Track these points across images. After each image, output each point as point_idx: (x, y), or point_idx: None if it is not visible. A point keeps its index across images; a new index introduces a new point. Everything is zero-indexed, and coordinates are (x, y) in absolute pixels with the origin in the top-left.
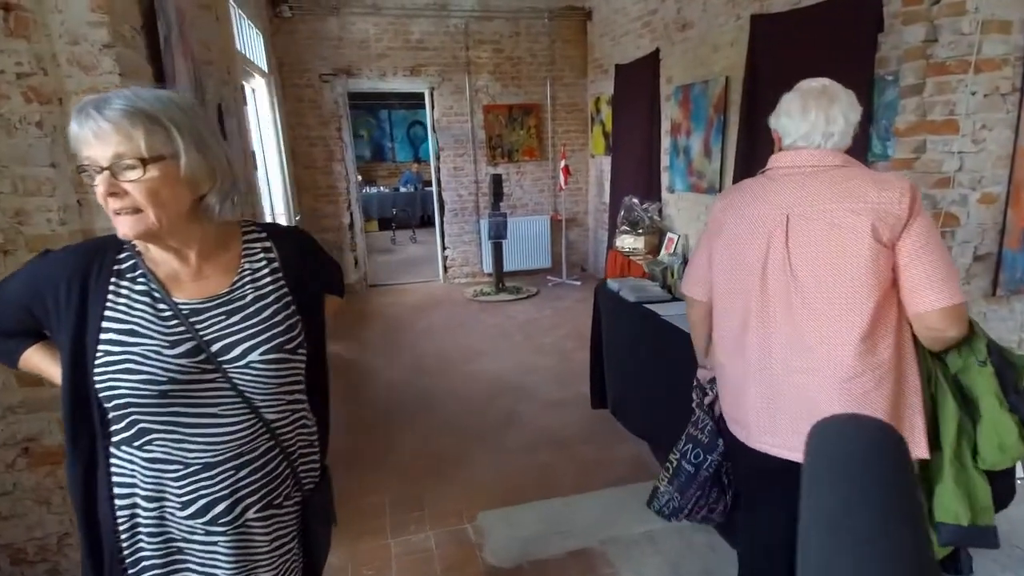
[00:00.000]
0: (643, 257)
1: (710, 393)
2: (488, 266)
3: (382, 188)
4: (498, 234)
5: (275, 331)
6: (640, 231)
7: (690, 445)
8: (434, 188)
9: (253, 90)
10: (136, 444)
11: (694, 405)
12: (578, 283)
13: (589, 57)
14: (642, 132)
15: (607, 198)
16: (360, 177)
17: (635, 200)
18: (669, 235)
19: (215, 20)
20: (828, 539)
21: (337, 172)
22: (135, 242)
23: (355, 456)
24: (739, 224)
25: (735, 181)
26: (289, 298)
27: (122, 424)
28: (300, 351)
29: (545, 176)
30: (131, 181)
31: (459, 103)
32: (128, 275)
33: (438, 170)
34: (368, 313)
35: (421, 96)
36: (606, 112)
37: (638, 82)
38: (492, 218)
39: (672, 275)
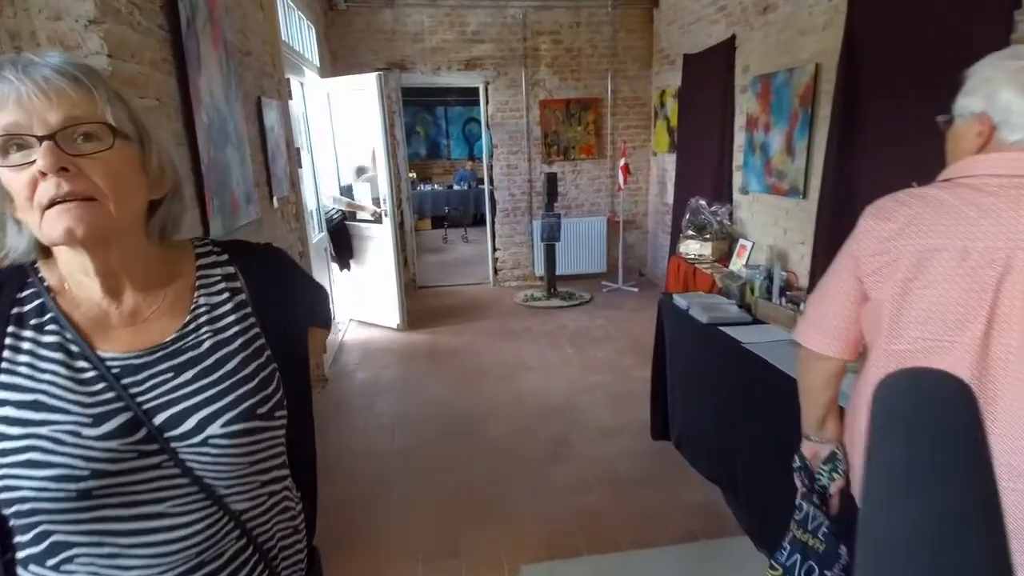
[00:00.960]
0: (710, 265)
1: (825, 478)
2: (540, 269)
3: (436, 186)
4: (551, 236)
5: (243, 390)
6: (707, 236)
7: (798, 556)
8: (486, 187)
9: (302, 84)
10: (50, 564)
11: (799, 497)
12: (635, 290)
13: (654, 47)
14: (713, 127)
15: (670, 199)
16: (415, 174)
17: (702, 202)
18: (741, 242)
19: (259, 9)
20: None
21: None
22: (45, 275)
23: (385, 486)
24: (939, 256)
25: (825, 183)
26: (261, 341)
27: (27, 537)
28: (278, 413)
29: (603, 175)
30: (90, 155)
31: (514, 98)
32: (32, 321)
33: (490, 168)
34: (414, 317)
35: (477, 92)
36: (672, 106)
37: (709, 73)
38: (545, 219)
39: (752, 292)
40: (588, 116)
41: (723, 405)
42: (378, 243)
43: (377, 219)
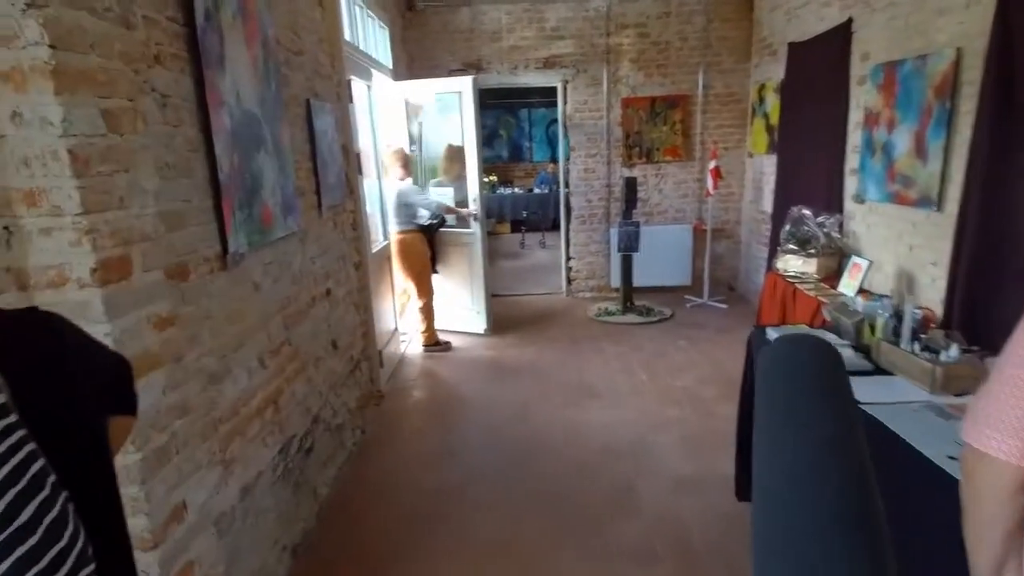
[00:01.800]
0: (813, 285)
1: None
2: (616, 280)
3: (516, 189)
4: (628, 246)
5: (21, 552)
6: (811, 251)
7: None
8: (561, 192)
9: (369, 86)
10: None
11: None
12: (723, 306)
13: (754, 37)
14: (822, 125)
15: (768, 206)
16: (495, 177)
17: (807, 211)
18: (854, 260)
19: (316, 6)
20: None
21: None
22: None
23: (423, 530)
24: None
25: (969, 192)
26: (40, 464)
27: None
28: (84, 573)
29: (689, 179)
30: None
31: (594, 97)
32: None
33: (567, 172)
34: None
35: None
36: (772, 102)
37: (820, 62)
38: (623, 227)
39: (872, 333)
40: (675, 115)
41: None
42: (457, 249)
43: (464, 223)
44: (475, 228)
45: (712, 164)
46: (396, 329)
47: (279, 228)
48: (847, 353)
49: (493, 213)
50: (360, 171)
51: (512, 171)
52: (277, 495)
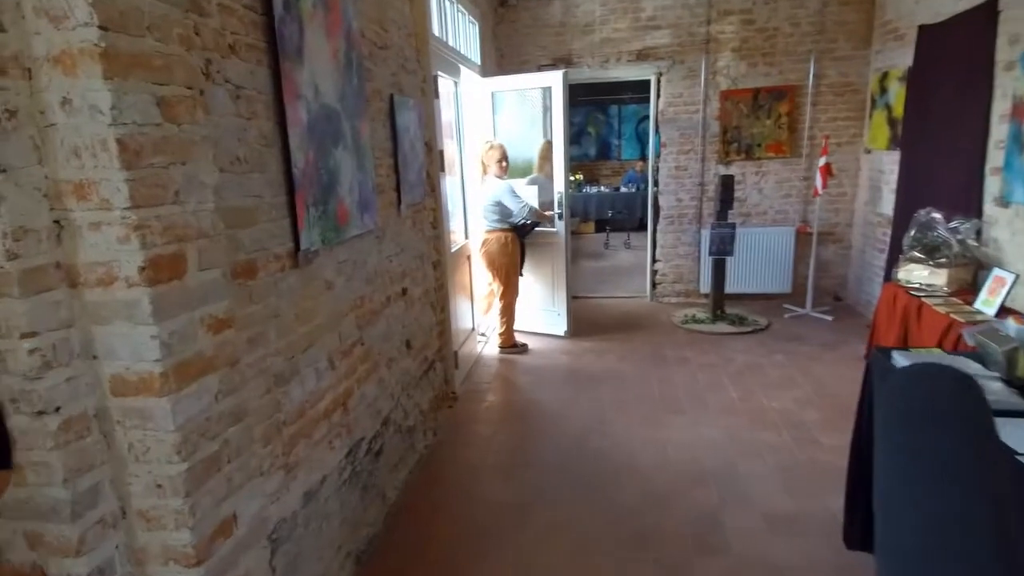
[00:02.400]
0: (943, 301)
1: None
2: (705, 286)
3: (602, 188)
4: (722, 250)
5: None
6: (941, 260)
7: None
8: (650, 190)
9: (456, 82)
10: None
11: None
12: (828, 318)
13: (876, 20)
14: (958, 117)
15: (886, 208)
16: (580, 176)
17: (937, 214)
18: (996, 273)
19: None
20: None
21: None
22: None
23: (486, 547)
24: None
25: None
26: None
27: None
28: None
29: (794, 177)
30: None
31: (690, 90)
32: None
33: (656, 170)
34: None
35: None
36: (897, 91)
37: (958, 47)
38: (716, 229)
39: None
40: (781, 107)
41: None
42: (540, 249)
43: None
44: (559, 228)
45: (822, 161)
46: (473, 329)
47: (355, 226)
48: (995, 387)
49: (577, 212)
50: (442, 169)
51: (599, 169)
52: (343, 499)
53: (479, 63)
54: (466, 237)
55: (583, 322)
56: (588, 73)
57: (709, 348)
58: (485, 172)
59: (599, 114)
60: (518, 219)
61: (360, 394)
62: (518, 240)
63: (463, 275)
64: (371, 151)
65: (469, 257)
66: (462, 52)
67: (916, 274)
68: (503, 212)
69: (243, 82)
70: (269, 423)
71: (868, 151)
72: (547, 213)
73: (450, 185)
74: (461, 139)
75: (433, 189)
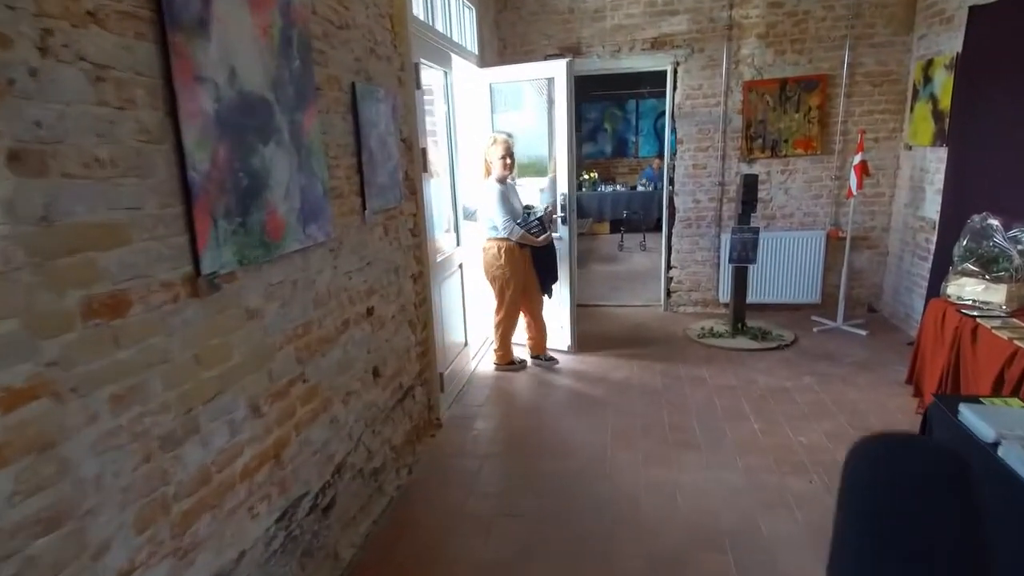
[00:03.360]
0: (1002, 323)
1: None
2: (725, 295)
3: (618, 187)
4: (743, 257)
5: None
6: (1000, 274)
7: None
8: (665, 190)
9: (446, 72)
10: None
11: None
12: (862, 332)
13: (920, 2)
14: (1017, 109)
15: (931, 211)
16: (595, 174)
17: (994, 220)
18: None
19: None
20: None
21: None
22: None
23: None
24: None
25: None
26: None
27: None
28: None
29: (825, 176)
30: None
31: (710, 81)
32: None
33: (672, 168)
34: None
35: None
36: (943, 81)
37: (1017, 29)
38: (738, 234)
39: None
40: (811, 99)
41: None
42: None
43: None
44: (562, 232)
45: (857, 158)
46: (467, 344)
47: (294, 239)
48: None
49: (592, 212)
50: (425, 169)
51: (615, 167)
52: (272, 574)
53: (476, 52)
54: (458, 244)
55: (590, 335)
56: (598, 64)
57: (728, 367)
58: (488, 172)
59: (616, 109)
60: (504, 235)
61: (301, 441)
62: (525, 252)
63: (453, 286)
64: (323, 149)
65: (461, 266)
66: (454, 39)
67: (969, 290)
68: (491, 221)
69: (110, 60)
70: (148, 502)
71: (909, 147)
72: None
73: (439, 187)
74: (453, 135)
75: (414, 192)
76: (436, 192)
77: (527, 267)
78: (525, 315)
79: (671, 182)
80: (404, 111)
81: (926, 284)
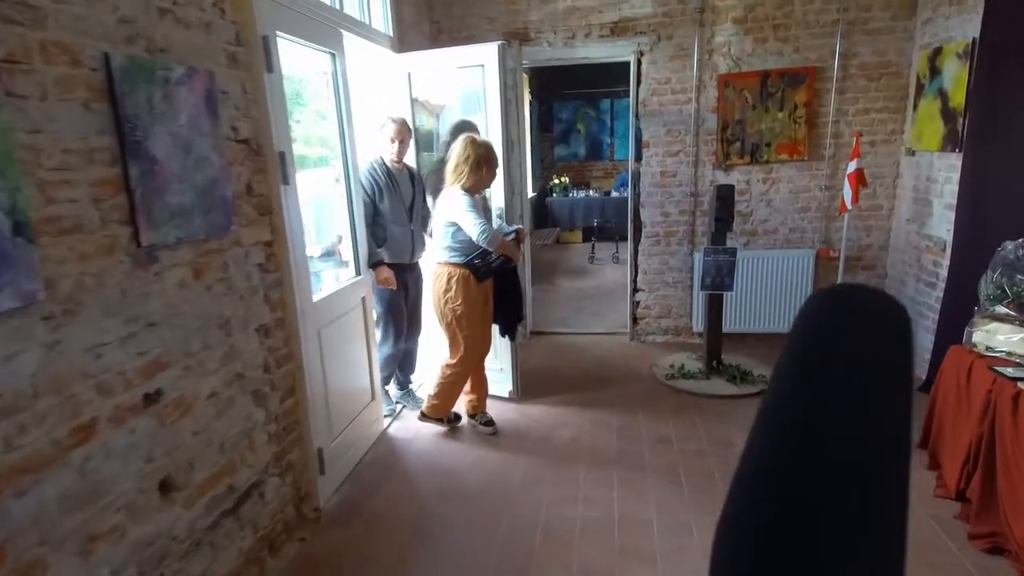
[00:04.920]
0: None
1: None
2: (699, 322)
3: (591, 192)
4: (718, 283)
5: None
6: None
7: None
8: (629, 201)
9: (334, 56)
10: None
11: None
12: None
13: None
14: None
15: (940, 229)
16: (566, 179)
17: None
18: None
19: None
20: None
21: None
22: None
23: None
24: None
25: None
26: None
27: None
28: None
29: (814, 186)
30: None
31: (680, 73)
32: None
33: (637, 175)
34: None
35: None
36: (955, 73)
37: None
38: (711, 256)
39: None
40: (797, 95)
41: None
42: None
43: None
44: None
45: (852, 166)
46: (373, 397)
47: None
48: None
49: (563, 220)
50: (286, 180)
51: (589, 171)
52: None
53: (390, 34)
54: (357, 272)
55: (540, 374)
56: (549, 52)
57: (699, 421)
58: (459, 178)
59: (589, 109)
60: (483, 243)
61: None
62: (484, 283)
63: (349, 328)
64: (16, 161)
65: (365, 299)
66: (349, 15)
67: (1002, 339)
68: (458, 236)
69: None
70: None
71: (912, 153)
72: (508, 239)
73: (334, 200)
74: (346, 135)
75: (266, 212)
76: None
77: (486, 301)
78: None
79: (636, 193)
80: (247, 103)
81: (934, 316)
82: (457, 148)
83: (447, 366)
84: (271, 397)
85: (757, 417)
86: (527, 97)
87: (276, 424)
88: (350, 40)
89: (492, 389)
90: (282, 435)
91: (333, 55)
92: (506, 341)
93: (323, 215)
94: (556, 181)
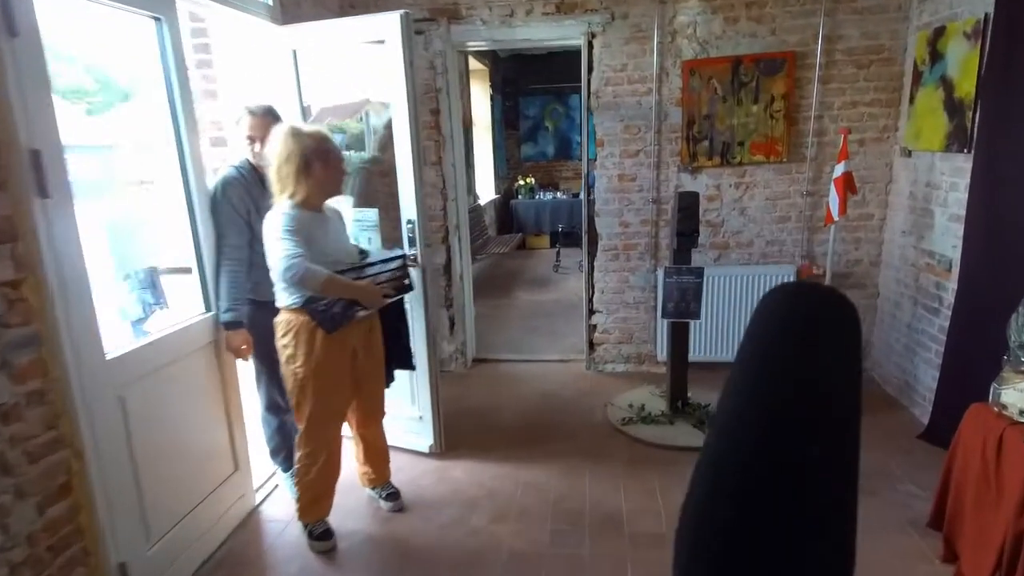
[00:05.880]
0: None
1: None
2: (664, 349)
3: (558, 194)
4: (683, 309)
5: None
6: None
7: None
8: (583, 209)
9: (159, 20)
10: None
11: None
12: None
13: None
14: None
15: (944, 245)
16: (533, 179)
17: None
18: None
19: None
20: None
21: (429, 180)
22: None
23: None
24: None
25: None
26: None
27: None
28: None
29: (794, 192)
30: None
31: (638, 60)
32: None
33: (589, 178)
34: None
35: None
36: (962, 56)
37: None
38: (674, 277)
39: None
40: (774, 85)
41: None
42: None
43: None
44: (414, 279)
45: (839, 169)
46: (236, 467)
47: None
48: None
49: (528, 224)
50: (43, 192)
51: (558, 172)
52: None
53: (268, 1)
54: (207, 307)
55: (473, 419)
56: (484, 33)
57: (658, 485)
58: (284, 189)
59: (557, 105)
60: (285, 283)
61: None
62: (336, 334)
63: (190, 376)
64: None
65: (215, 342)
66: None
67: None
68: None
69: None
70: None
71: (907, 153)
72: (381, 279)
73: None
74: (180, 126)
75: (11, 240)
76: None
77: (355, 356)
78: (354, 427)
79: (590, 199)
80: None
81: (938, 348)
82: (274, 146)
83: (298, 453)
84: (18, 508)
85: (712, 422)
86: (486, 90)
87: (31, 546)
88: (197, 4)
89: (409, 442)
90: (46, 558)
91: (158, 20)
92: (424, 383)
93: (138, 239)
94: (521, 182)
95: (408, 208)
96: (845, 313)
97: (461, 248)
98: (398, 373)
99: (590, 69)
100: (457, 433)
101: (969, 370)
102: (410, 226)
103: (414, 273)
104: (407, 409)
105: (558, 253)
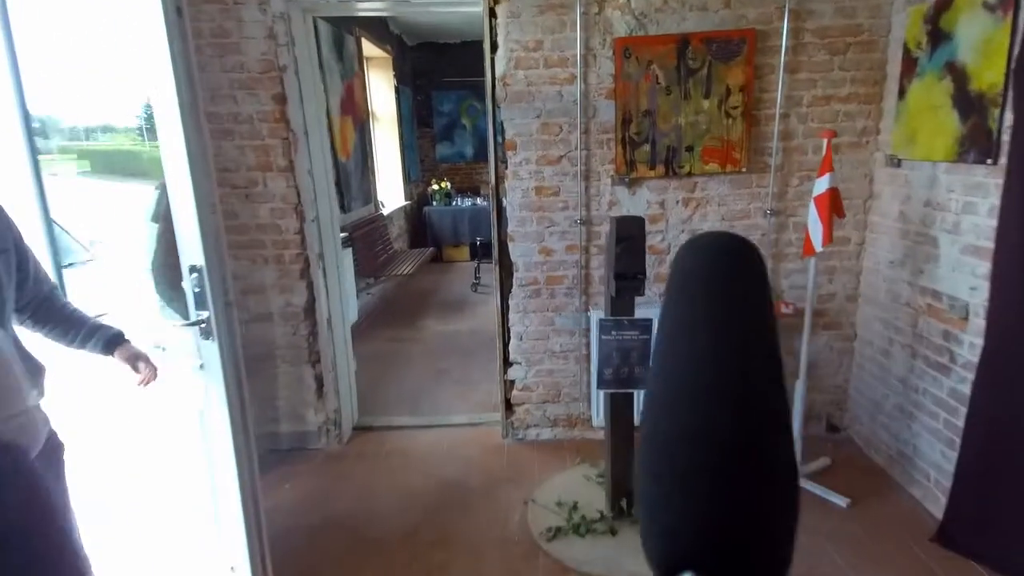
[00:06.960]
0: None
1: None
2: (600, 414)
3: (478, 200)
4: (625, 376)
5: None
6: None
7: None
8: (493, 231)
9: None
10: None
11: None
12: (840, 503)
13: None
14: None
15: (960, 286)
16: (449, 184)
17: None
18: None
19: None
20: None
21: (277, 192)
22: None
23: None
24: None
25: None
26: None
27: None
28: None
29: (755, 210)
30: None
31: (556, 36)
32: None
33: (499, 193)
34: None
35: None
36: (978, 35)
37: None
38: (613, 334)
39: None
40: (730, 74)
41: None
42: (176, 382)
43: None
44: (204, 349)
45: (822, 184)
46: None
47: None
48: None
49: (445, 235)
50: None
51: (479, 175)
52: None
53: None
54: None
55: (335, 538)
56: (337, 6)
57: None
58: None
59: (475, 101)
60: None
61: None
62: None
63: None
64: None
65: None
66: None
67: None
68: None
69: None
70: None
71: (895, 162)
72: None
73: None
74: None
75: None
76: None
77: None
78: None
79: (499, 219)
80: None
81: (945, 416)
82: None
83: None
84: None
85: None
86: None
87: None
88: None
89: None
90: None
91: None
92: (234, 497)
93: None
94: (436, 187)
95: (190, 250)
96: (745, 248)
97: (327, 283)
98: (188, 480)
99: (494, 47)
100: (313, 563)
101: (1001, 454)
102: (195, 277)
103: (209, 345)
104: (209, 529)
105: (477, 268)
